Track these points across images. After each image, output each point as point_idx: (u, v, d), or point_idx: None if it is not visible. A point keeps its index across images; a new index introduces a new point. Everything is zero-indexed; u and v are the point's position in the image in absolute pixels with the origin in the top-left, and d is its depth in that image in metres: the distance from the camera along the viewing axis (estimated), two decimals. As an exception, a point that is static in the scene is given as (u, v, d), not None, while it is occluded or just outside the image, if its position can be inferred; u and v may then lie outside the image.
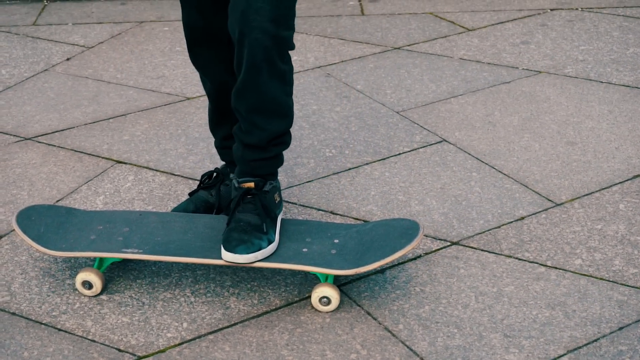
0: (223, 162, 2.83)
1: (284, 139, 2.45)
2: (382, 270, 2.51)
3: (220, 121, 2.65)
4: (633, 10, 4.10)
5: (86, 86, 3.59)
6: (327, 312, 2.37)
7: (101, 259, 2.46)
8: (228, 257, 2.33)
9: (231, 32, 2.31)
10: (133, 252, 2.38)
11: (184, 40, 3.84)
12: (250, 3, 2.24)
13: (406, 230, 2.41)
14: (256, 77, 2.31)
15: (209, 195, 2.67)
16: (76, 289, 2.46)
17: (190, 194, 2.70)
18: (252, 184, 2.42)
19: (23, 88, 3.59)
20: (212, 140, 3.15)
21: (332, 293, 2.35)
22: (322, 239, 2.44)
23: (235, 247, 2.32)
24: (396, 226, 2.44)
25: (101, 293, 2.45)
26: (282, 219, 2.52)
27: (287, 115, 2.42)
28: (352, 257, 2.36)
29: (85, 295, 2.44)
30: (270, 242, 2.38)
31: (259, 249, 2.34)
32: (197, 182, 2.92)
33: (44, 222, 2.51)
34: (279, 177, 2.90)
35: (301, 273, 2.51)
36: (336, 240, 2.43)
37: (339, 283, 2.47)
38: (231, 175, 2.70)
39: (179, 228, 2.49)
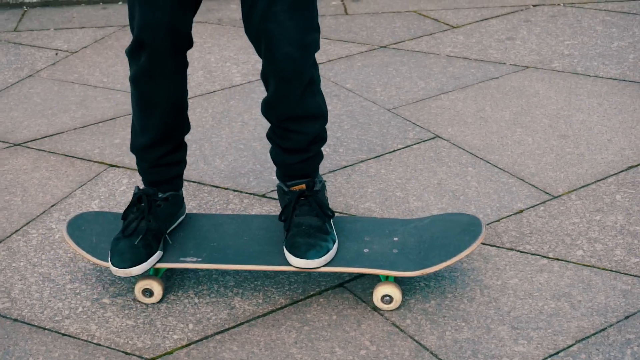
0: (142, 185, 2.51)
1: (322, 136, 2.41)
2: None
3: (166, 138, 2.40)
4: (614, 4, 4.13)
5: (73, 91, 3.55)
6: (389, 310, 2.35)
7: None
8: (300, 263, 2.29)
9: (254, 44, 2.23)
10: (192, 262, 2.34)
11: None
12: (271, 14, 2.16)
13: (467, 226, 2.38)
14: (287, 89, 2.26)
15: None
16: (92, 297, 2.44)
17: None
18: (303, 186, 2.39)
19: (8, 94, 3.55)
20: (205, 142, 3.12)
21: (395, 292, 2.33)
22: (381, 237, 2.40)
23: (305, 252, 2.28)
24: (456, 221, 2.41)
25: (161, 300, 2.41)
26: (335, 216, 2.49)
27: (320, 115, 2.36)
28: (415, 257, 2.33)
29: (143, 303, 2.39)
30: (334, 242, 2.35)
31: (327, 251, 2.31)
32: (191, 183, 2.89)
33: (95, 231, 2.45)
34: None
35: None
36: (395, 239, 2.40)
37: (344, 280, 2.46)
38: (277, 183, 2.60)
39: (232, 231, 2.44)
